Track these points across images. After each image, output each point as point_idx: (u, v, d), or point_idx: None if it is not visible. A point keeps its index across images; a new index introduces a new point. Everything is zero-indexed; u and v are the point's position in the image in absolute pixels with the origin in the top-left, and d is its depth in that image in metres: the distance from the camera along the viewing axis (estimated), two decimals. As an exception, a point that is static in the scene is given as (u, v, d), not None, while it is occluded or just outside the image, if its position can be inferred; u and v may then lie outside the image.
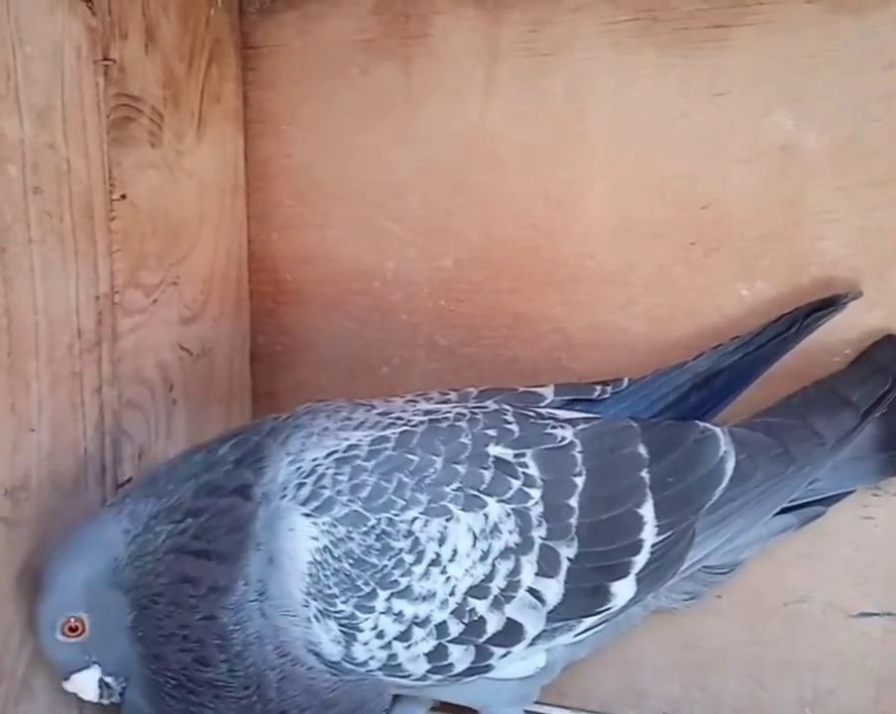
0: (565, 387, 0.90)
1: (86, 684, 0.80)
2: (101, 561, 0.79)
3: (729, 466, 0.82)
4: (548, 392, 0.90)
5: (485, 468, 0.79)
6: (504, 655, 0.79)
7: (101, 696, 0.81)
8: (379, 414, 0.84)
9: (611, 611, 0.80)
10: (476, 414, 0.83)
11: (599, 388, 0.90)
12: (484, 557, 0.77)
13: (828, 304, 0.90)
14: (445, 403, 0.87)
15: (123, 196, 0.92)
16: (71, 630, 0.78)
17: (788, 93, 0.93)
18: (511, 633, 0.78)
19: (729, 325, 0.96)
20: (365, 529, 0.76)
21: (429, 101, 1.06)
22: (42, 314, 0.84)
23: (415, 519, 0.77)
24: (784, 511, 0.87)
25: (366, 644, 0.77)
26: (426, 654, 0.77)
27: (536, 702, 0.94)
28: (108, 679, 0.80)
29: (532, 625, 0.78)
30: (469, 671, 0.79)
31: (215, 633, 0.76)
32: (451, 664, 0.78)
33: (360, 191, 1.09)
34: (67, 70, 0.85)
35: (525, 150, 1.03)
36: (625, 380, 0.91)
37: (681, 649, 1.03)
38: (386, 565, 0.76)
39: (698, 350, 0.92)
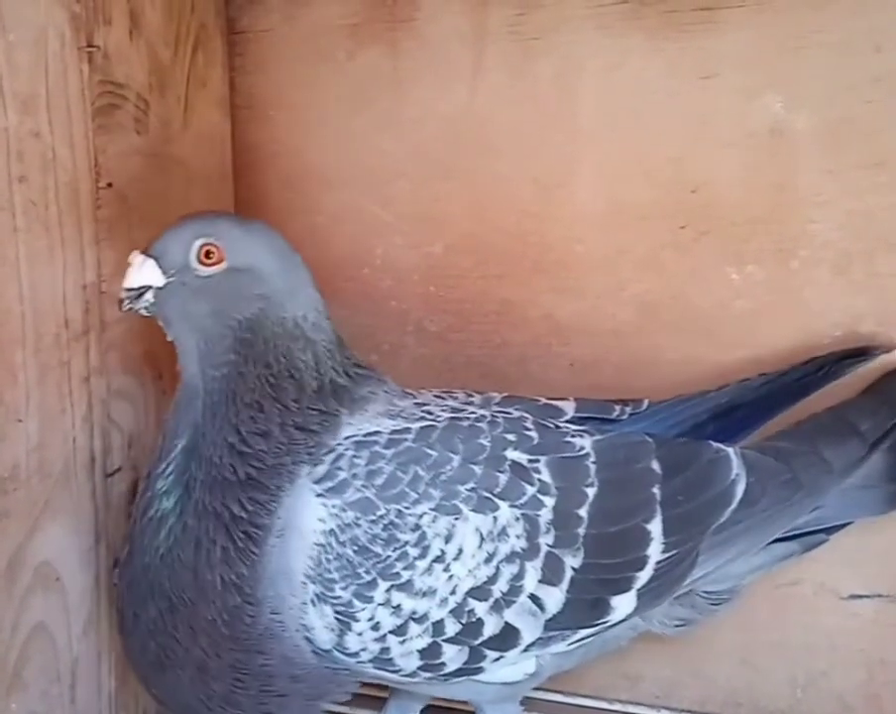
0: (586, 403, 0.89)
1: (146, 273, 0.79)
2: (283, 278, 0.82)
3: (740, 489, 0.82)
4: (569, 407, 0.88)
5: (501, 471, 0.78)
6: (497, 659, 0.78)
7: (132, 290, 0.80)
8: (415, 404, 0.84)
9: (607, 624, 0.80)
10: (497, 417, 0.83)
11: (618, 408, 0.89)
12: (489, 559, 0.77)
13: (858, 354, 0.90)
14: (469, 404, 0.86)
15: (109, 185, 0.91)
16: (207, 254, 0.79)
17: (777, 76, 0.93)
18: (507, 637, 0.78)
19: (719, 309, 0.97)
20: (373, 517, 0.76)
21: (417, 86, 1.05)
22: (28, 304, 0.83)
23: (424, 513, 0.76)
24: (788, 538, 0.87)
25: (360, 634, 0.76)
26: (419, 651, 0.77)
27: (529, 687, 0.95)
28: (152, 296, 0.79)
29: (529, 631, 0.78)
30: (459, 672, 0.78)
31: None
32: (443, 664, 0.78)
33: (348, 177, 1.09)
34: (51, 58, 0.84)
35: (514, 134, 1.02)
36: (645, 402, 0.90)
37: (673, 632, 1.03)
38: (389, 556, 0.76)
39: (687, 334, 0.92)
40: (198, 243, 0.79)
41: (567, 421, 0.87)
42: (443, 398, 0.87)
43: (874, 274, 0.93)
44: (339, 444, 0.79)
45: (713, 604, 0.88)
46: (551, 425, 0.84)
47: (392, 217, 1.07)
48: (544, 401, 0.88)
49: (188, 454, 0.81)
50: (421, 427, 0.80)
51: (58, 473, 0.87)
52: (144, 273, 0.79)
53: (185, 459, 0.81)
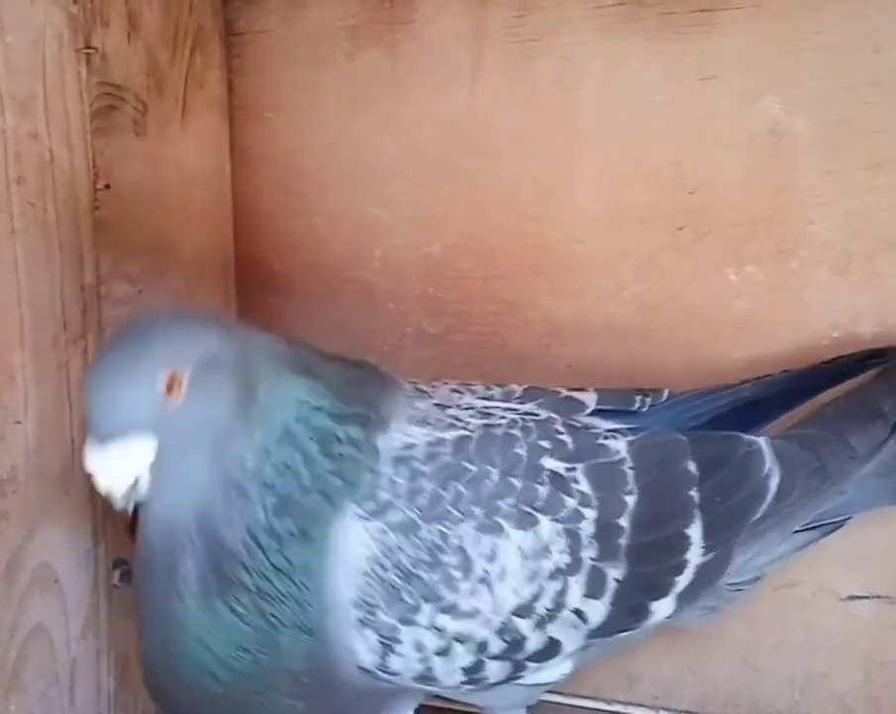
0: (606, 394, 0.88)
1: (128, 460, 0.68)
2: (242, 351, 0.72)
3: (773, 483, 0.81)
4: (590, 399, 0.87)
5: (540, 483, 0.76)
6: (538, 669, 0.78)
7: (126, 491, 0.68)
8: (436, 405, 0.81)
9: (645, 627, 0.80)
10: (528, 422, 0.80)
11: (638, 399, 0.88)
12: (532, 578, 0.75)
13: (881, 354, 0.89)
14: (489, 399, 0.84)
15: (107, 186, 0.91)
16: (169, 386, 0.67)
17: (776, 77, 0.93)
18: (550, 650, 0.77)
19: (718, 310, 0.97)
20: (417, 540, 0.73)
21: (416, 87, 1.05)
22: (26, 306, 0.83)
23: (468, 534, 0.74)
24: (809, 527, 0.86)
25: (403, 656, 0.74)
26: (463, 669, 0.76)
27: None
28: (146, 475, 0.68)
29: (571, 642, 0.77)
30: (500, 682, 0.78)
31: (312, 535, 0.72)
32: (486, 677, 0.76)
33: (346, 179, 1.09)
34: (49, 59, 0.84)
35: (513, 136, 1.02)
36: (665, 392, 0.89)
37: (672, 633, 1.03)
38: (434, 580, 0.73)
39: (686, 336, 0.92)
40: (159, 383, 0.68)
41: (590, 415, 0.85)
42: (460, 393, 0.84)
43: (874, 274, 0.92)
44: (377, 462, 0.75)
45: (738, 590, 0.87)
46: (580, 425, 0.82)
47: (390, 219, 1.07)
48: (565, 393, 0.87)
49: (204, 566, 0.73)
50: (457, 439, 0.77)
51: (57, 475, 0.87)
52: (129, 462, 0.68)
53: (203, 571, 0.73)
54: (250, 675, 0.73)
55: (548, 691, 1.03)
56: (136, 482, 0.69)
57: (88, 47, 0.88)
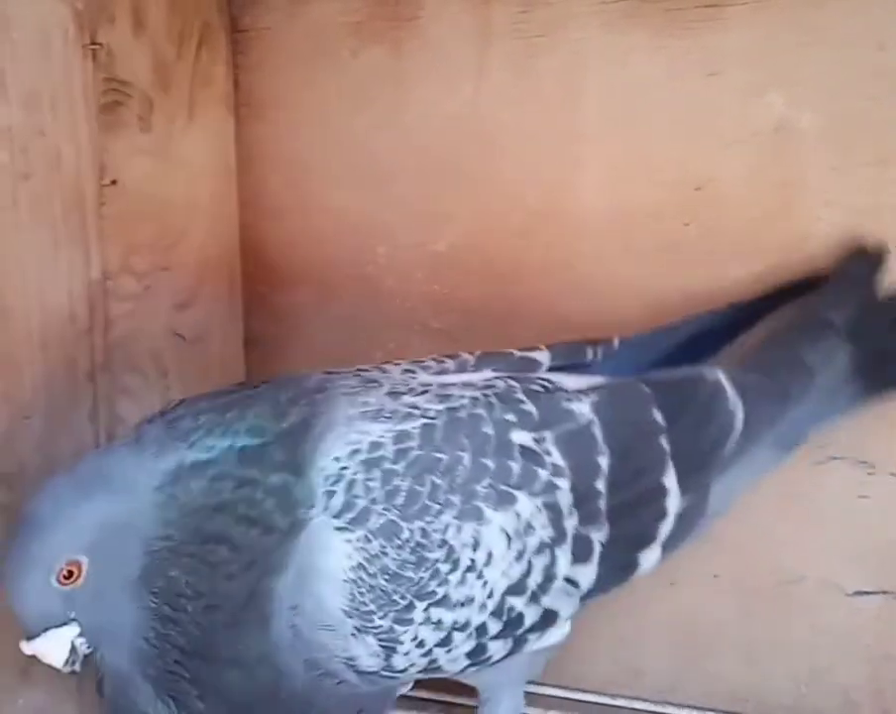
0: (559, 349, 0.89)
1: (57, 645, 0.72)
2: (118, 502, 0.71)
3: (739, 420, 0.82)
4: (543, 357, 0.88)
5: (512, 460, 0.76)
6: (539, 638, 0.79)
7: (66, 662, 0.72)
8: (388, 395, 0.79)
9: (636, 576, 0.81)
10: (489, 397, 0.79)
11: (590, 350, 0.89)
12: (519, 557, 0.75)
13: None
14: (443, 372, 0.84)
15: (113, 182, 0.91)
16: (67, 576, 0.70)
17: (781, 73, 0.93)
18: (548, 619, 0.78)
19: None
20: (399, 542, 0.72)
21: (420, 84, 1.05)
22: (33, 301, 0.83)
23: (449, 525, 0.73)
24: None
25: (406, 654, 0.74)
26: (466, 654, 0.76)
27: (532, 682, 0.95)
28: (79, 641, 0.72)
29: (567, 609, 0.78)
30: (505, 657, 0.79)
31: (253, 609, 0.71)
32: (490, 657, 0.77)
33: (350, 176, 1.08)
34: (55, 55, 0.84)
35: (518, 133, 1.02)
36: (616, 340, 0.91)
37: (676, 629, 1.03)
38: (422, 577, 0.73)
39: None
40: (55, 579, 0.70)
41: (545, 371, 0.86)
42: (413, 372, 0.84)
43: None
44: (345, 468, 0.73)
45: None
46: (541, 389, 0.81)
47: (395, 216, 1.07)
48: (519, 354, 0.87)
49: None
50: (421, 428, 0.76)
51: (64, 470, 0.87)
52: (58, 646, 0.72)
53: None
54: None
55: (551, 685, 1.04)
56: (72, 651, 0.72)
57: (94, 43, 0.88)
